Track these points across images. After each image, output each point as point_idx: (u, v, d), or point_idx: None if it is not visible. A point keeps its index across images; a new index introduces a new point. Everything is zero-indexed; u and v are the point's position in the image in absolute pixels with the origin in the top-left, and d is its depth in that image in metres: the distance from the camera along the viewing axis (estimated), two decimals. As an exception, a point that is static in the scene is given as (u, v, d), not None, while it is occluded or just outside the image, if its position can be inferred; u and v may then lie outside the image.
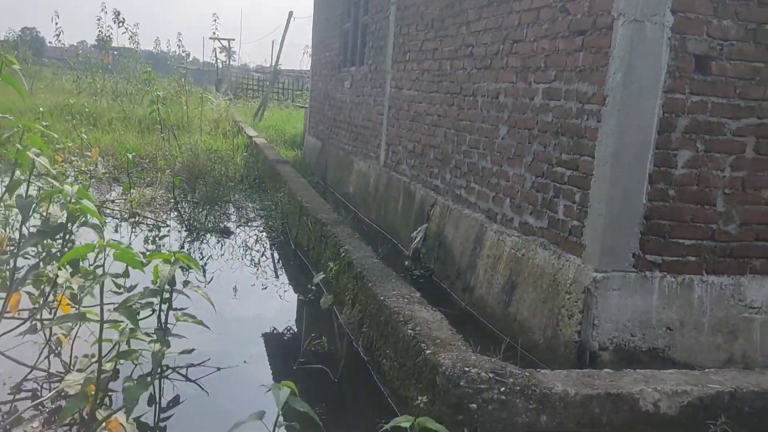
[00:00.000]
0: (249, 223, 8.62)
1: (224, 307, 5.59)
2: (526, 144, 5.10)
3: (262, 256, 7.32)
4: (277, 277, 6.69)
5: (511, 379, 3.12)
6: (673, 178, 4.03)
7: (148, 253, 5.21)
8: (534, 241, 4.89)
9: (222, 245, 7.59)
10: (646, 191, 4.04)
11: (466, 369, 3.16)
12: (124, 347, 2.85)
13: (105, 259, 2.68)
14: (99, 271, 2.94)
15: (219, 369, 4.30)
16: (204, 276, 6.37)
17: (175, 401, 4.00)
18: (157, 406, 3.96)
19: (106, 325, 2.75)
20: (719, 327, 4.21)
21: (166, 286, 2.68)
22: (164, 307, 2.83)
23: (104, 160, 11.31)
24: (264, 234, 8.16)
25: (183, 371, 4.19)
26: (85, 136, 11.09)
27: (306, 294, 5.73)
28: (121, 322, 2.69)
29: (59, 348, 3.91)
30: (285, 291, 6.25)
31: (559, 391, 3.11)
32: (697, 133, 3.99)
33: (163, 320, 2.82)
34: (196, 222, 7.96)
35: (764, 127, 4.05)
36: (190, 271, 5.23)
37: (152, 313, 2.88)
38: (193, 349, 4.47)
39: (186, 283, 2.98)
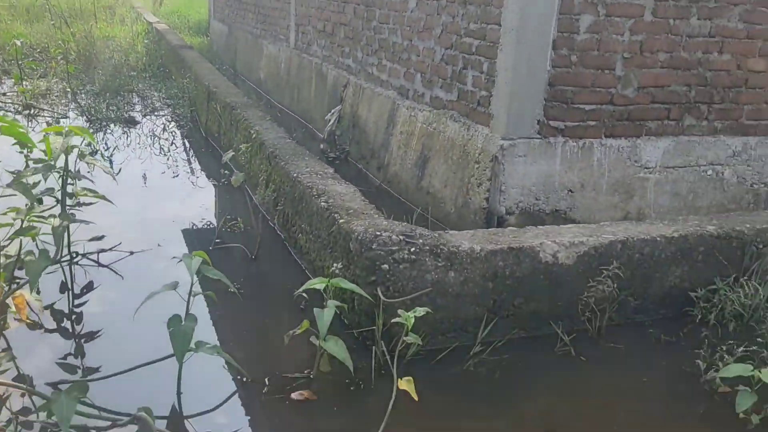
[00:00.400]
0: (155, 112, 8.26)
1: (134, 196, 5.45)
2: (435, 15, 5.04)
3: (171, 144, 7.09)
4: (188, 164, 6.52)
5: (421, 240, 3.23)
6: (575, 44, 4.10)
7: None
8: (445, 114, 4.94)
9: (128, 135, 7.28)
10: (550, 58, 4.11)
11: (378, 233, 3.25)
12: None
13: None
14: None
15: (132, 253, 4.24)
16: (111, 167, 6.14)
17: (89, 287, 3.95)
18: (70, 292, 3.91)
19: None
20: (616, 187, 4.48)
21: (61, 160, 2.55)
22: (60, 184, 2.71)
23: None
24: (172, 123, 7.86)
25: (94, 257, 4.11)
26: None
27: (219, 179, 5.65)
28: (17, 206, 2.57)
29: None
30: (197, 177, 6.13)
31: (465, 248, 3.26)
32: (598, -4, 4.03)
33: (60, 197, 2.72)
34: (98, 113, 7.55)
35: (662, -11, 4.14)
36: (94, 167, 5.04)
37: (47, 193, 2.75)
38: (103, 236, 4.39)
39: (81, 155, 2.85)
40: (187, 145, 7.18)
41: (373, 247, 3.18)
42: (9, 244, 2.88)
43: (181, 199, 5.54)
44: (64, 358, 3.23)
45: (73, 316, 3.70)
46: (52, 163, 2.60)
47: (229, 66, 11.19)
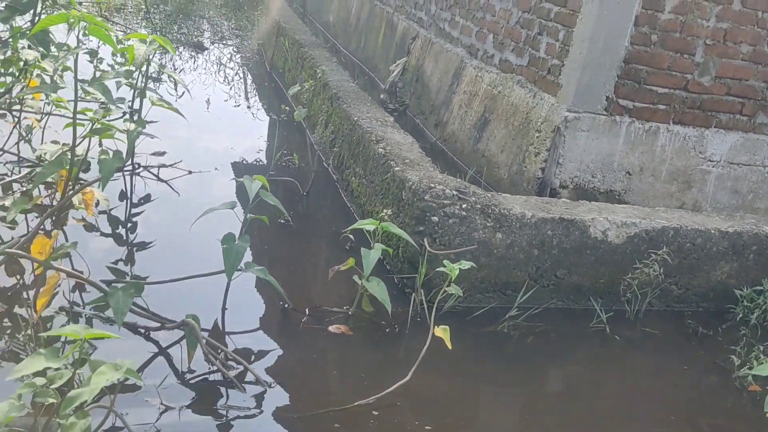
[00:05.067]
0: (223, 41, 8.35)
1: (196, 119, 5.57)
2: (518, -24, 4.94)
3: (236, 74, 7.18)
4: (250, 96, 6.61)
5: (474, 198, 3.26)
6: (658, 23, 3.99)
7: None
8: (512, 78, 4.89)
9: (195, 60, 7.39)
10: (629, 34, 4.01)
11: (432, 185, 3.29)
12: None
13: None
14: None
15: (190, 172, 4.37)
16: (175, 89, 6.26)
17: (146, 199, 4.10)
18: (129, 201, 4.06)
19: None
20: (676, 176, 4.40)
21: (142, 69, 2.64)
22: (135, 93, 2.80)
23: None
24: (239, 53, 7.94)
25: (155, 171, 4.25)
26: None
27: (278, 114, 5.72)
28: (95, 100, 2.67)
29: (29, 135, 3.90)
30: (258, 110, 6.22)
31: (516, 212, 3.28)
32: (690, -24, 3.91)
33: (136, 104, 2.81)
34: (168, 33, 7.67)
35: (758, -23, 3.98)
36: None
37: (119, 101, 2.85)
38: (164, 152, 4.52)
39: (161, 67, 2.94)
40: (251, 77, 7.26)
41: (426, 198, 3.22)
42: (79, 143, 2.99)
43: (240, 128, 5.65)
44: (115, 262, 3.38)
45: (128, 224, 3.85)
46: (133, 69, 2.69)
47: (299, 5, 11.17)
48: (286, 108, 5.52)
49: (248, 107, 6.25)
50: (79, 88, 2.70)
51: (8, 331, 2.56)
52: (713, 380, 3.17)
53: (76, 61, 2.62)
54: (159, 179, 4.24)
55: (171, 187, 4.22)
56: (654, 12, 3.96)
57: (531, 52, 4.70)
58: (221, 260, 2.73)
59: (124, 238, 3.71)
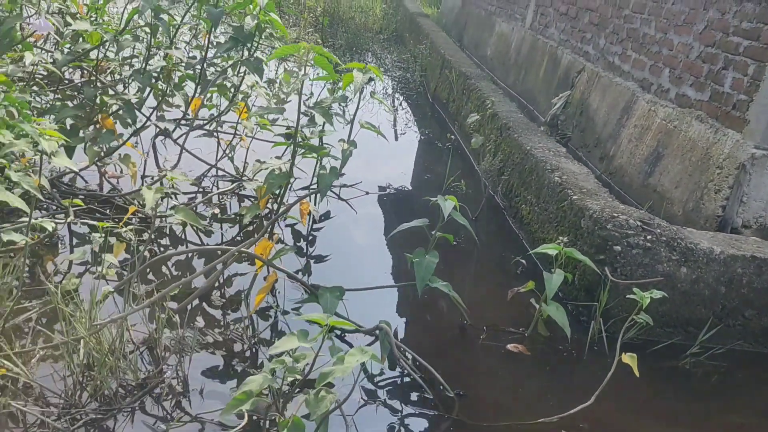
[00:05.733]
0: (387, 72, 8.77)
1: (368, 144, 5.90)
2: (701, 10, 4.83)
3: (400, 104, 7.51)
4: (415, 125, 6.89)
5: (659, 230, 3.22)
6: None
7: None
8: (690, 113, 4.76)
9: (362, 90, 7.82)
10: (831, 69, 3.81)
11: (615, 215, 3.29)
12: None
13: (304, 66, 2.91)
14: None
15: (367, 193, 4.65)
16: (344, 115, 6.66)
17: (327, 215, 4.41)
18: (311, 217, 4.39)
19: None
20: None
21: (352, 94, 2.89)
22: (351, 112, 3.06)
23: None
24: (402, 84, 8.30)
25: (336, 190, 4.57)
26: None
27: (444, 142, 5.93)
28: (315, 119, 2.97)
29: (232, 152, 4.35)
30: (423, 137, 6.47)
31: (704, 247, 3.20)
32: None
33: (349, 126, 3.09)
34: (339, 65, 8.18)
35: None
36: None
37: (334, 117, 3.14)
38: (343, 173, 4.84)
39: (372, 93, 3.22)
40: (415, 108, 7.57)
41: (608, 227, 3.23)
42: (298, 161, 3.30)
43: (408, 155, 5.91)
44: (297, 271, 3.66)
45: (310, 238, 4.16)
46: (348, 95, 2.97)
47: (456, 40, 11.48)
48: (452, 137, 5.72)
49: (414, 134, 6.52)
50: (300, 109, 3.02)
51: (227, 323, 2.88)
52: None
53: (301, 86, 2.94)
54: (340, 198, 4.55)
55: (350, 205, 4.51)
56: None
57: (713, 87, 4.56)
58: (395, 275, 2.91)
59: (304, 250, 4.00)
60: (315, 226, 4.30)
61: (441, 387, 2.66)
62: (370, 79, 3.01)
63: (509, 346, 3.05)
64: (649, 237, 3.19)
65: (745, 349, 3.30)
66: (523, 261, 3.71)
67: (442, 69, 7.40)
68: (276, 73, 7.23)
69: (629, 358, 2.64)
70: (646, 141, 5.19)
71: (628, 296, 2.89)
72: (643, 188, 5.04)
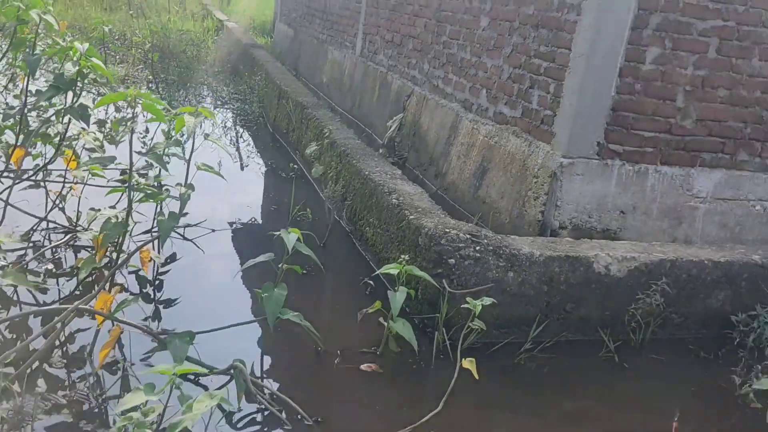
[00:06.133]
0: (225, 106, 8.73)
1: (208, 182, 5.86)
2: (506, 36, 5.34)
3: (240, 137, 7.52)
4: (257, 156, 6.93)
5: (486, 240, 3.54)
6: (640, 73, 4.37)
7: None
8: (507, 129, 5.24)
9: (200, 125, 7.72)
10: (615, 84, 4.38)
11: (447, 230, 3.57)
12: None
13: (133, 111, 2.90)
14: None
15: (213, 231, 4.63)
16: (183, 153, 6.57)
17: (173, 258, 4.34)
18: (154, 262, 4.29)
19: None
20: (667, 213, 4.71)
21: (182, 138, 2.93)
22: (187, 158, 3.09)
23: (71, 34, 11.03)
24: (240, 117, 8.30)
25: (180, 230, 4.51)
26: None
27: (288, 172, 6.03)
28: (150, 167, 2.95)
29: (63, 203, 4.16)
30: (267, 169, 6.52)
31: (526, 251, 3.56)
32: (666, 31, 4.30)
33: (186, 169, 3.10)
34: (175, 101, 8.03)
35: (727, 29, 4.38)
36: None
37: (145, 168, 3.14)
38: (187, 213, 4.78)
39: (206, 136, 3.25)
40: (256, 139, 7.60)
41: (442, 242, 3.49)
42: (134, 209, 3.25)
43: (252, 188, 5.93)
44: (145, 319, 3.58)
45: (156, 282, 4.07)
46: (181, 138, 2.99)
47: (291, 68, 11.65)
48: (294, 166, 5.83)
49: (257, 167, 6.55)
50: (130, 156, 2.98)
51: (72, 383, 2.76)
52: (718, 400, 3.40)
53: (132, 133, 2.91)
54: (185, 238, 4.49)
55: (196, 245, 4.46)
56: (636, 64, 4.34)
57: (524, 104, 5.06)
58: (248, 310, 2.97)
59: (151, 296, 3.91)
60: (162, 269, 4.22)
61: (299, 416, 2.74)
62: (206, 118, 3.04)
63: (363, 366, 3.20)
64: (478, 248, 3.49)
65: (569, 339, 3.70)
66: (371, 282, 3.89)
67: (280, 99, 7.51)
68: (106, 114, 6.96)
69: (469, 363, 2.89)
70: (473, 157, 5.62)
71: (462, 306, 3.15)
72: (474, 200, 5.45)
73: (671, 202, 4.70)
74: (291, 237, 2.97)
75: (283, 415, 2.73)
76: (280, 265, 3.12)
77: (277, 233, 3.05)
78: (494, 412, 3.08)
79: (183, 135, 3.15)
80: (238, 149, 7.03)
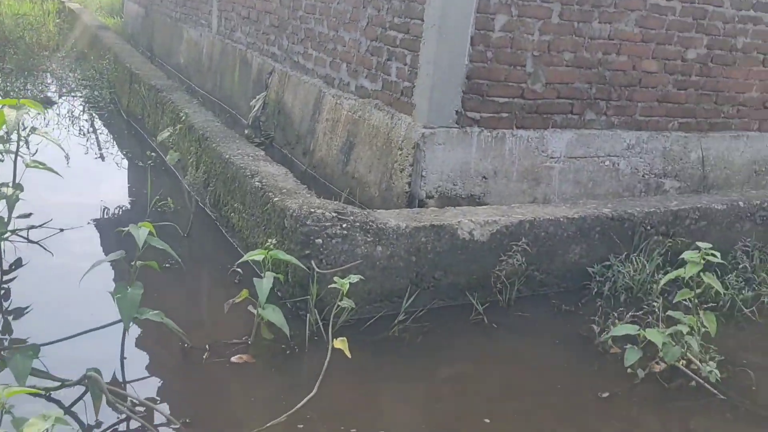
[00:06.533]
0: (72, 93, 8.10)
1: (54, 178, 5.41)
2: (361, 8, 5.29)
3: (91, 126, 7.01)
4: (111, 146, 6.50)
5: (352, 217, 3.50)
6: (491, 41, 4.47)
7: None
8: (369, 103, 5.22)
9: (44, 116, 7.13)
10: (468, 53, 4.46)
11: (312, 210, 3.50)
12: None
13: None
14: None
15: (62, 230, 4.28)
16: (27, 147, 6.03)
17: (18, 263, 3.97)
18: (-1, 269, 3.92)
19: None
20: (525, 175, 4.90)
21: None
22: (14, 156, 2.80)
23: None
24: (91, 105, 7.74)
25: (24, 233, 4.13)
26: None
27: (145, 161, 5.69)
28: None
29: None
30: (122, 159, 6.13)
31: (392, 225, 3.56)
32: (512, -2, 4.42)
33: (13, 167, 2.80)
34: (13, 91, 7.34)
35: (568, -5, 4.57)
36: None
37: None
38: (31, 213, 4.39)
39: (33, 129, 2.95)
40: (109, 127, 7.12)
41: (308, 222, 3.42)
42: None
43: (106, 180, 5.56)
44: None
45: (2, 291, 3.72)
46: (3, 134, 2.69)
47: (146, 49, 11.01)
48: (152, 154, 5.51)
49: (111, 157, 6.14)
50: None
51: None
52: (580, 349, 3.59)
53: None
54: (29, 241, 4.12)
55: (43, 247, 4.11)
56: (486, 32, 4.43)
57: (383, 77, 5.05)
58: (110, 312, 2.77)
59: (-1, 306, 3.58)
60: (6, 277, 3.85)
61: (166, 420, 2.60)
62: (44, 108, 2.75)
63: (233, 359, 3.08)
64: (344, 225, 3.45)
65: (441, 306, 3.77)
66: (240, 270, 3.76)
67: (131, 83, 7.06)
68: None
69: (340, 343, 2.86)
70: (339, 132, 5.57)
71: (330, 286, 3.11)
72: (344, 176, 5.41)
73: (529, 164, 4.89)
74: (142, 232, 2.78)
75: (154, 419, 2.58)
76: (133, 263, 2.92)
77: (126, 229, 2.85)
78: (371, 387, 3.08)
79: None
80: (93, 140, 6.54)
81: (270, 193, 3.82)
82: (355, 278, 2.99)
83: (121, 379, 2.94)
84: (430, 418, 2.94)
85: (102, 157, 6.08)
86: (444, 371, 3.31)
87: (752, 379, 3.34)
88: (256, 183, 3.99)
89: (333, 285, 3.02)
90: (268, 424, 2.63)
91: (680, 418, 3.10)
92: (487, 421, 2.89)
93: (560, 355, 3.55)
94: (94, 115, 7.44)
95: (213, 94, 8.53)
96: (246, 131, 6.92)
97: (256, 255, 3.17)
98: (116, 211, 4.82)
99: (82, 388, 2.69)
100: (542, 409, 3.06)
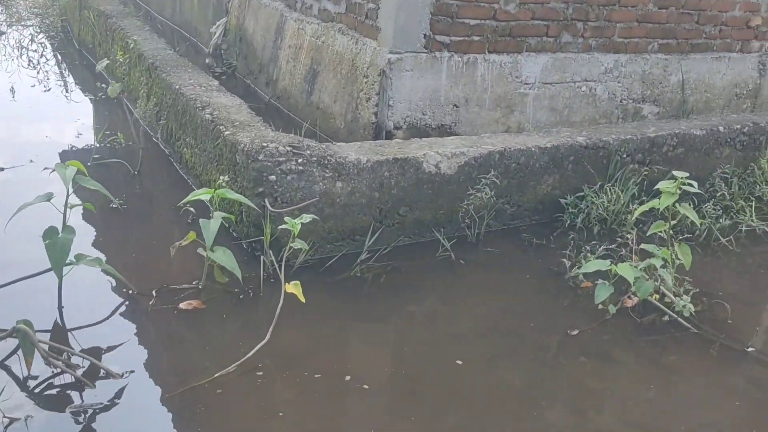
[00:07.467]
0: (21, 22, 7.59)
1: (2, 111, 5.07)
2: None
3: (41, 56, 6.58)
4: (61, 77, 6.11)
5: (308, 151, 3.26)
6: (460, -43, 4.13)
7: None
8: (333, 27, 4.87)
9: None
10: (436, -30, 4.12)
11: (264, 144, 3.24)
12: None
13: None
14: None
15: (2, 169, 3.99)
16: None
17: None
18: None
19: None
20: (498, 102, 4.64)
21: None
22: None
23: None
24: (41, 34, 7.26)
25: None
26: None
27: (95, 93, 5.35)
28: None
29: None
30: (72, 91, 5.77)
31: (352, 159, 3.33)
32: None
33: None
34: (-46, 20, 6.85)
35: None
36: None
37: None
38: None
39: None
40: (59, 57, 6.69)
41: (260, 158, 3.18)
42: None
43: (54, 114, 5.22)
44: None
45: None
46: None
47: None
48: (103, 86, 5.16)
49: (60, 90, 5.77)
50: None
51: None
52: (551, 284, 3.45)
53: None
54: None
55: (-21, 189, 3.84)
56: (455, -54, 4.08)
57: (347, -1, 4.70)
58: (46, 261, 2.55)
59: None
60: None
61: (105, 372, 2.43)
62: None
63: (182, 305, 2.90)
64: (300, 160, 3.21)
65: (406, 243, 3.59)
66: (192, 209, 3.52)
67: (81, 9, 6.60)
68: None
69: (293, 287, 2.67)
70: (302, 60, 5.23)
71: (280, 226, 2.90)
72: (308, 107, 5.12)
73: (502, 91, 4.63)
74: (69, 171, 2.53)
75: (87, 373, 2.40)
76: (65, 206, 2.67)
77: (52, 169, 2.58)
78: (330, 329, 2.91)
79: None
80: (42, 72, 6.14)
81: (221, 126, 3.55)
82: (307, 218, 2.78)
83: (62, 329, 2.75)
84: (398, 361, 2.78)
85: (49, 90, 5.71)
86: (410, 311, 3.15)
87: (728, 312, 3.23)
88: (207, 115, 3.71)
89: (283, 226, 2.80)
90: (216, 375, 2.46)
91: (652, 354, 2.99)
92: (459, 362, 2.75)
93: (531, 291, 3.41)
94: (44, 44, 6.98)
95: (173, 20, 8.05)
96: (207, 60, 6.53)
97: (202, 194, 2.94)
98: (63, 148, 4.52)
99: (17, 341, 2.50)
100: (514, 348, 2.92)
